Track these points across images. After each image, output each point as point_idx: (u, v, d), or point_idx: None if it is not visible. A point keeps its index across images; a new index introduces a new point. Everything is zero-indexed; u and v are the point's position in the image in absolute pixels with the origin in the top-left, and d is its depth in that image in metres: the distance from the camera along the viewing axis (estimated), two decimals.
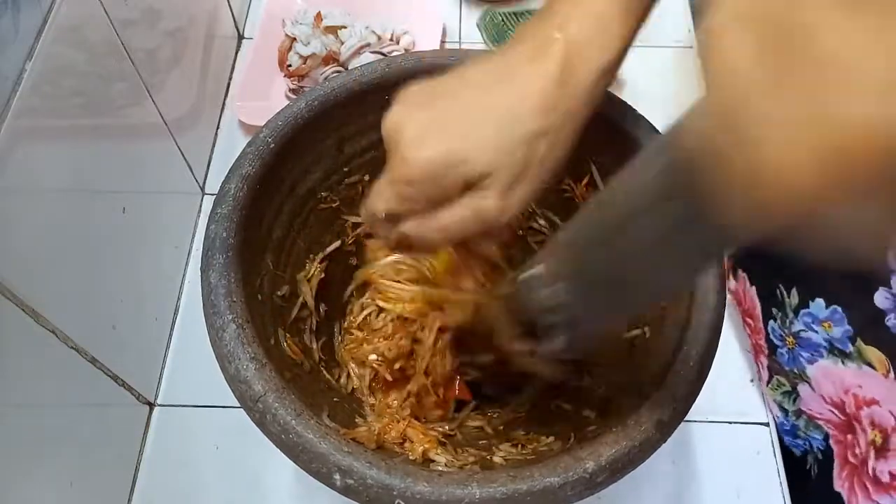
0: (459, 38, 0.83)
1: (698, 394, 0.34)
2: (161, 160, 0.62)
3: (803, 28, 0.16)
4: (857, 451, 0.51)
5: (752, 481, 0.57)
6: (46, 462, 0.45)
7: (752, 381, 0.61)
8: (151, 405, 0.59)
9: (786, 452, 0.59)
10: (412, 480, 0.30)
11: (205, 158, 0.72)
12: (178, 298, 0.64)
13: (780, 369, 0.57)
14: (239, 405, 0.33)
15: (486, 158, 0.33)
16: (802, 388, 0.55)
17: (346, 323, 0.51)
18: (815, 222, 0.18)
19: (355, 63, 0.76)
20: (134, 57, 0.54)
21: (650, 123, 0.42)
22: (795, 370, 0.55)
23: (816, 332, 0.52)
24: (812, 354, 0.53)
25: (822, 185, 0.16)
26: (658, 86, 0.77)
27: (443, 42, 0.81)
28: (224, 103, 0.77)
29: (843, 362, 0.50)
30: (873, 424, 0.49)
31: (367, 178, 0.49)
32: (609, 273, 0.31)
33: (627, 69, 0.76)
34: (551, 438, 0.43)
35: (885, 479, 0.48)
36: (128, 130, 0.56)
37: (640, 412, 0.33)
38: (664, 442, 0.33)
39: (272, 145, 0.41)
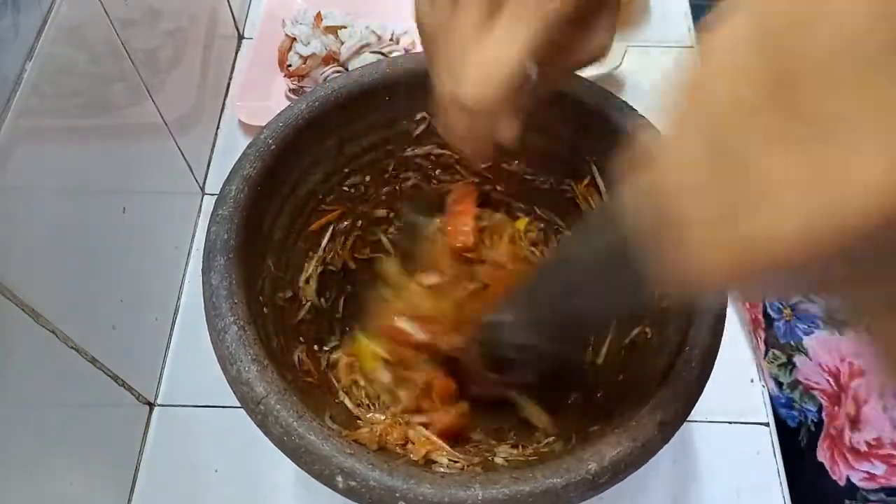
0: None
1: (700, 394, 0.34)
2: (161, 160, 0.62)
3: (743, 151, 0.17)
4: (838, 422, 0.52)
5: (752, 481, 0.57)
6: (46, 462, 0.44)
7: (752, 381, 0.61)
8: (151, 405, 0.59)
9: (781, 424, 0.60)
10: (415, 482, 0.30)
11: (205, 158, 0.72)
12: (178, 298, 0.64)
13: (776, 342, 0.58)
14: (239, 405, 0.33)
15: None
16: (799, 359, 0.56)
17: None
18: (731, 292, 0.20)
19: (355, 63, 0.76)
20: (134, 57, 0.54)
21: (651, 124, 0.42)
22: (792, 342, 0.56)
23: (815, 302, 0.52)
24: (809, 326, 0.54)
25: (730, 281, 0.19)
26: (658, 86, 0.77)
27: None
28: (224, 103, 0.77)
29: (840, 332, 0.51)
30: (855, 397, 0.50)
31: (367, 178, 0.49)
32: (567, 318, 0.36)
33: (628, 69, 0.76)
34: (552, 438, 0.43)
35: (863, 448, 0.49)
36: (128, 130, 0.56)
37: (642, 413, 0.33)
38: (667, 442, 0.33)
39: (273, 146, 0.41)
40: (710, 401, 0.36)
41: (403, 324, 0.47)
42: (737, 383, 0.61)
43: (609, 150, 0.44)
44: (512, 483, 0.30)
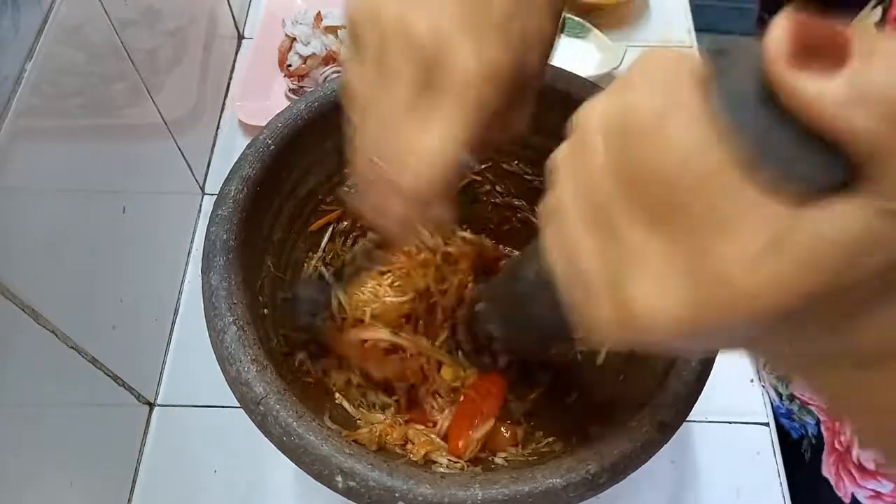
0: None
1: (699, 395, 0.34)
2: (161, 160, 0.62)
3: (618, 226, 0.18)
4: (843, 437, 0.51)
5: (752, 481, 0.57)
6: (46, 462, 0.44)
7: (752, 381, 0.61)
8: (151, 405, 0.59)
9: (784, 435, 0.59)
10: (415, 482, 0.30)
11: (205, 158, 0.72)
12: (178, 298, 0.64)
13: None
14: (239, 405, 0.33)
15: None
16: None
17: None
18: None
19: None
20: (134, 57, 0.54)
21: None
22: None
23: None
24: None
25: (625, 338, 0.19)
26: None
27: None
28: (224, 103, 0.77)
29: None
30: None
31: None
32: (521, 322, 0.39)
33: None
34: (552, 438, 0.43)
35: (871, 466, 0.48)
36: (128, 130, 0.56)
37: (641, 413, 0.33)
38: (666, 443, 0.33)
39: (272, 147, 0.41)
40: (710, 401, 0.36)
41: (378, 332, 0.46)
42: (737, 383, 0.61)
43: None
44: (511, 483, 0.30)
